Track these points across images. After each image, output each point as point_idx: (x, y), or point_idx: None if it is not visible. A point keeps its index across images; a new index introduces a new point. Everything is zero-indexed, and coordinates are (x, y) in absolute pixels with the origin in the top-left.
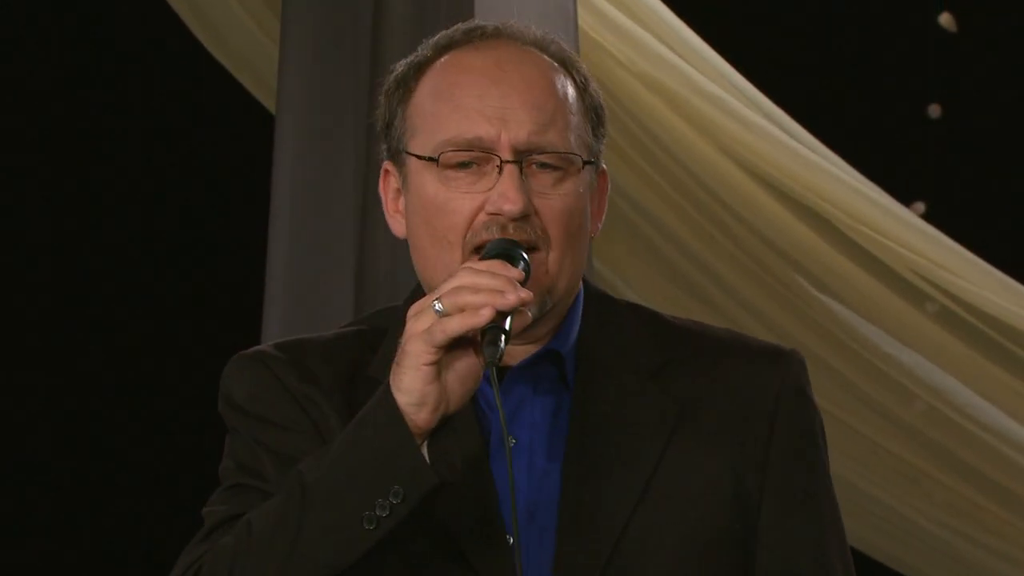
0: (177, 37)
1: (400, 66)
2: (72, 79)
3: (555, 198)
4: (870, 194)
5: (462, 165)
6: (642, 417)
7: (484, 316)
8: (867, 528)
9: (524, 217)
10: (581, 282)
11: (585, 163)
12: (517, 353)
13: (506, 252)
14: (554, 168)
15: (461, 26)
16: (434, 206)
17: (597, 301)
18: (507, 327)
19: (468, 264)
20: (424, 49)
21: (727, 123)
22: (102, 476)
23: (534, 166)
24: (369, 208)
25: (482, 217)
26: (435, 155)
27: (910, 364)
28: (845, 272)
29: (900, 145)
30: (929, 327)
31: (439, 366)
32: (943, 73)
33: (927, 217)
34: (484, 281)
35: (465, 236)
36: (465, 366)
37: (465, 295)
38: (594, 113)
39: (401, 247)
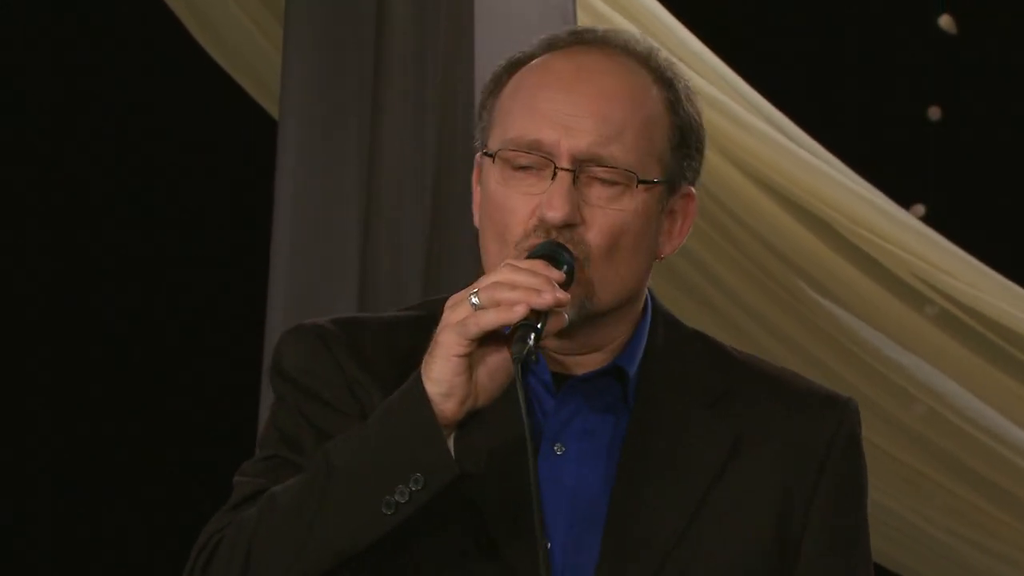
0: (178, 40)
1: (502, 61)
2: (73, 81)
3: (608, 212)
4: (870, 197)
5: (523, 168)
6: (696, 444)
7: (518, 313)
8: None
9: (569, 226)
10: (648, 300)
11: (641, 182)
12: (581, 364)
13: (552, 254)
14: (613, 183)
15: (570, 28)
16: (494, 203)
17: (664, 324)
18: (539, 326)
19: (510, 261)
20: (528, 47)
21: (727, 126)
22: (99, 474)
23: (594, 178)
24: (372, 211)
25: (533, 221)
26: (493, 152)
27: (910, 367)
28: (845, 276)
29: (900, 147)
30: (929, 330)
31: (470, 359)
32: (943, 75)
33: (927, 220)
34: (522, 279)
35: (518, 238)
36: (496, 361)
37: (503, 291)
38: (680, 132)
39: (404, 249)
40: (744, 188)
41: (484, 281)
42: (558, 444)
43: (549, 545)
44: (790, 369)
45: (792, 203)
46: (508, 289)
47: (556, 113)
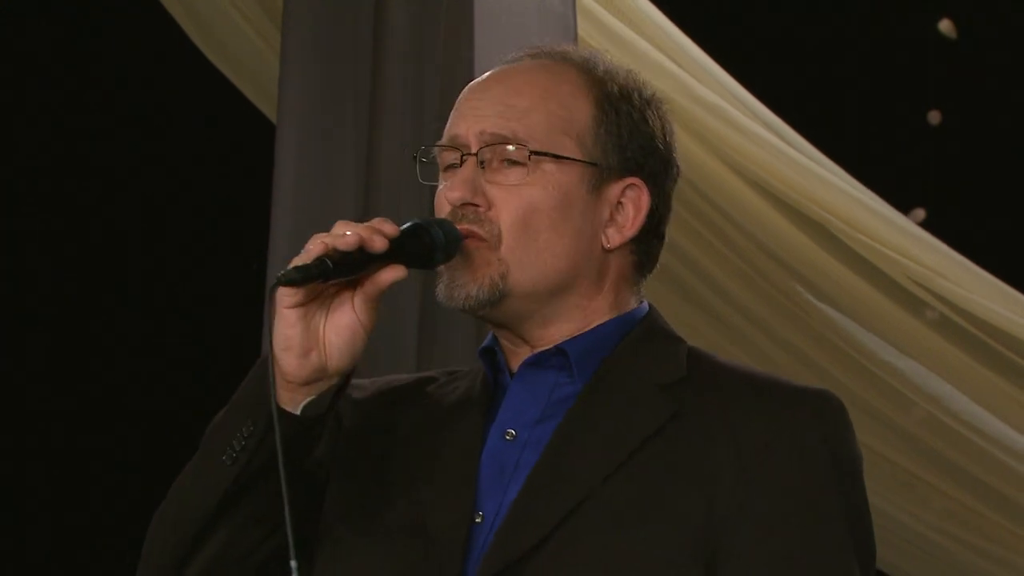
0: (176, 44)
1: None
2: (72, 85)
3: (512, 191)
4: (869, 202)
5: (451, 167)
6: (633, 418)
7: (311, 252)
8: None
9: (472, 208)
10: (639, 309)
11: (536, 153)
12: (524, 355)
13: (423, 223)
14: (519, 164)
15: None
16: (435, 201)
17: (651, 332)
18: (332, 265)
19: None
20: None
21: (726, 132)
22: (97, 475)
23: (503, 163)
24: (370, 214)
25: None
26: (417, 154)
27: (908, 372)
28: (844, 280)
29: (899, 151)
30: (928, 335)
31: (305, 311)
32: (943, 79)
33: (926, 224)
34: (338, 227)
35: None
36: (343, 321)
37: (321, 237)
38: (607, 125)
39: None
40: (742, 192)
41: None
42: (509, 430)
43: (481, 518)
44: (775, 375)
45: (790, 207)
46: (325, 236)
47: (470, 109)
